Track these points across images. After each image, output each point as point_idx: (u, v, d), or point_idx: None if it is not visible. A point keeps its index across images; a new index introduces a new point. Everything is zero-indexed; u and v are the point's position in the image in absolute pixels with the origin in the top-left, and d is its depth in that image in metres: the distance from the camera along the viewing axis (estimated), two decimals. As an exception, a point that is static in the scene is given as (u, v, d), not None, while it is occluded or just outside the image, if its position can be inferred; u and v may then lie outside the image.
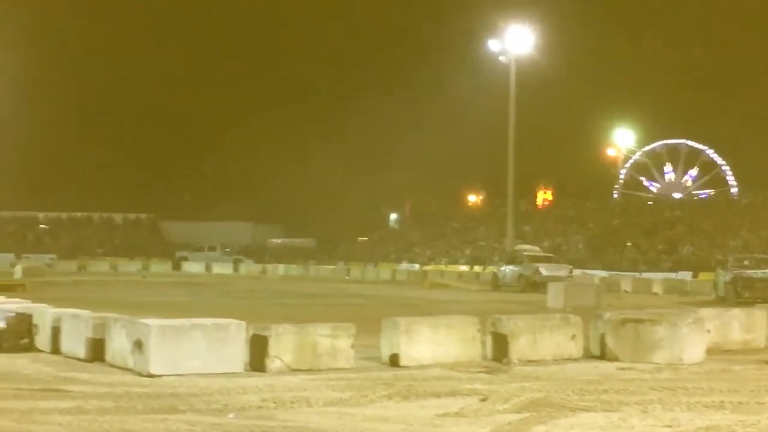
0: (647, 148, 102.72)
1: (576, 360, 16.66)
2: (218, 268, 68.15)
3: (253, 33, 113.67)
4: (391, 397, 12.67)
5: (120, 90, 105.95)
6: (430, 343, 15.96)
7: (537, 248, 56.71)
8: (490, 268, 65.28)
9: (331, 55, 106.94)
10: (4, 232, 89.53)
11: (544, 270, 47.04)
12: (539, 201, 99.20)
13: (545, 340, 16.69)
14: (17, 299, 21.34)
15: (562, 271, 48.05)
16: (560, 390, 13.27)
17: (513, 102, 67.58)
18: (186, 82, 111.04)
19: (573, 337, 17.01)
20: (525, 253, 51.18)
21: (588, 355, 16.98)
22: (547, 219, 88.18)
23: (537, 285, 44.53)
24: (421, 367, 15.44)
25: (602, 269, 61.94)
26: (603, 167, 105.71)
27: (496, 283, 49.60)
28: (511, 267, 49.64)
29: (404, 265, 73.61)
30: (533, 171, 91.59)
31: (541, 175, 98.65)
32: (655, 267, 65.02)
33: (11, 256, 72.37)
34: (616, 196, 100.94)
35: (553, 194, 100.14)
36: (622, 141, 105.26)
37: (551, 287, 35.12)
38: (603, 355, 16.81)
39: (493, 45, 68.72)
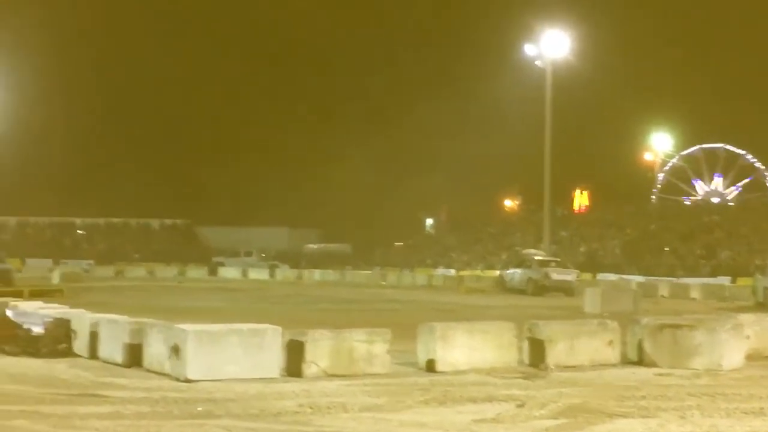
0: (685, 152, 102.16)
1: (613, 366, 16.56)
2: (254, 274, 68.24)
3: (288, 38, 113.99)
4: (427, 402, 12.65)
5: (157, 97, 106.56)
6: (467, 348, 15.92)
7: (543, 252, 56.96)
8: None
9: (368, 60, 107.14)
10: (42, 238, 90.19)
11: (554, 274, 47.38)
12: (576, 206, 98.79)
13: (582, 346, 16.61)
14: (55, 305, 21.45)
15: (570, 274, 48.44)
16: (598, 396, 13.20)
17: (549, 106, 67.35)
18: (223, 88, 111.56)
19: (610, 342, 16.92)
20: (534, 257, 51.30)
21: (625, 361, 16.89)
22: (583, 224, 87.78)
23: (546, 288, 45.04)
24: (458, 372, 15.40)
25: (639, 274, 61.57)
26: (640, 171, 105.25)
27: (503, 285, 49.77)
28: (518, 270, 49.69)
29: (440, 271, 73.44)
30: (570, 176, 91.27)
31: (578, 180, 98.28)
32: (693, 272, 64.55)
33: (49, 261, 72.84)
34: (653, 200, 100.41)
35: (589, 199, 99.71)
36: (659, 145, 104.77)
37: (587, 292, 34.95)
38: (641, 361, 16.71)
39: (529, 49, 68.56)
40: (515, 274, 49.73)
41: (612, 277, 58.69)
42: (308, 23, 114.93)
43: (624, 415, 11.77)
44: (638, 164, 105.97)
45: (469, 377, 14.96)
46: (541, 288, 46.20)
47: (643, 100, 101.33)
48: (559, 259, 54.27)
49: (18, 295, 30.81)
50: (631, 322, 17.47)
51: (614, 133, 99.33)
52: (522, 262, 51.07)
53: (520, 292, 46.99)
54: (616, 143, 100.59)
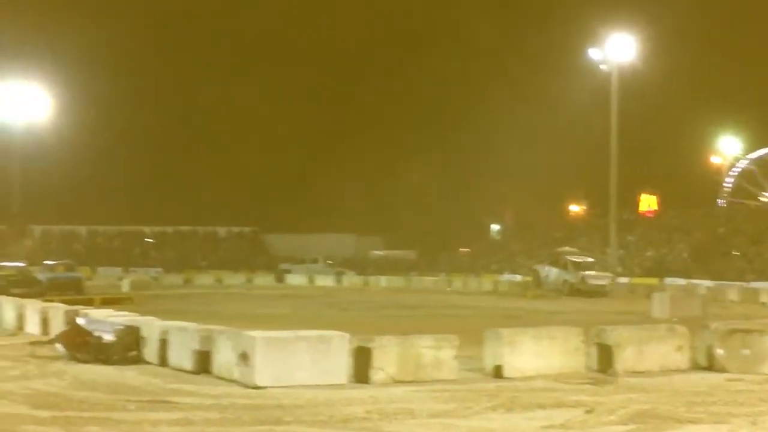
0: (754, 155, 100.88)
1: (683, 371, 16.42)
2: (321, 281, 68.39)
3: (355, 45, 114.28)
4: (495, 408, 12.63)
5: (223, 106, 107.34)
6: (534, 354, 15.87)
7: (576, 250, 56.56)
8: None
9: (431, 66, 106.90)
10: (111, 247, 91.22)
11: (590, 279, 47.31)
12: (642, 210, 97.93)
13: (651, 351, 16.49)
14: (125, 312, 21.71)
15: (605, 279, 48.35)
16: (667, 402, 13.10)
17: (615, 110, 67.00)
18: (288, 97, 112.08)
19: (679, 347, 16.78)
20: (570, 258, 50.95)
21: (695, 367, 16.73)
22: (650, 228, 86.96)
23: (581, 292, 44.88)
24: (525, 378, 15.36)
25: (708, 279, 60.89)
26: (707, 175, 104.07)
27: (538, 282, 49.54)
28: (554, 269, 49.43)
29: (506, 276, 73.17)
30: (636, 180, 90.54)
31: (645, 184, 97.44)
32: (763, 276, 63.63)
33: (119, 270, 73.66)
34: (721, 203, 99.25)
35: (656, 203, 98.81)
36: (727, 148, 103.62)
37: (655, 297, 34.66)
38: (710, 367, 16.55)
39: (594, 53, 68.26)
40: (550, 272, 49.63)
41: (680, 281, 58.11)
42: (376, 32, 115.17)
43: (694, 421, 11.67)
44: (706, 167, 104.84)
45: (536, 383, 14.91)
46: (576, 291, 46.15)
47: (710, 102, 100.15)
48: (594, 261, 53.97)
49: (89, 303, 31.27)
50: (701, 327, 17.31)
51: (681, 136, 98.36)
52: (557, 261, 50.85)
53: (556, 291, 47.14)
54: (682, 147, 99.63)
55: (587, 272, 48.21)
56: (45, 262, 51.36)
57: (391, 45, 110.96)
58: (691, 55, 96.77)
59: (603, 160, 69.57)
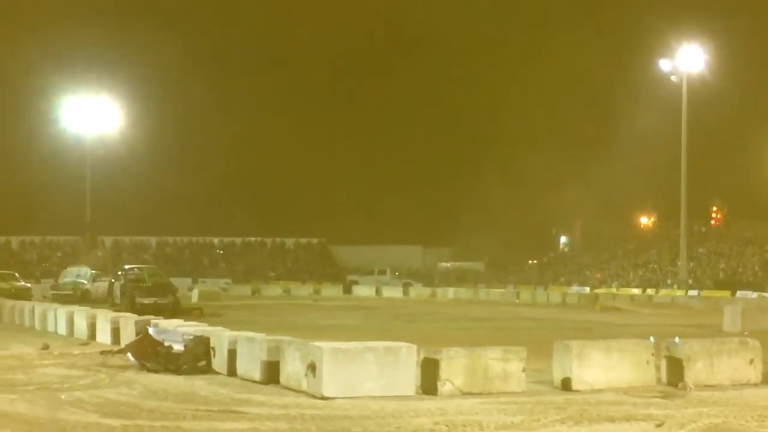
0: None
1: (755, 385, 16.20)
2: (388, 292, 68.47)
3: (426, 55, 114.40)
4: (563, 421, 12.55)
5: (292, 118, 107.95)
6: (603, 367, 15.75)
7: None
8: (664, 291, 64.22)
9: (502, 78, 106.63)
10: (181, 257, 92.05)
11: None
12: (713, 222, 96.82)
13: (722, 365, 16.28)
14: (195, 323, 21.89)
15: None
16: (739, 416, 12.93)
17: (685, 121, 66.39)
18: (355, 111, 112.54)
19: (751, 361, 16.55)
20: None
21: (767, 381, 16.49)
22: (722, 240, 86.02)
23: None
24: (594, 391, 15.25)
25: (781, 292, 60.04)
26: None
27: None
28: None
29: (575, 288, 72.76)
30: (707, 191, 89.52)
31: (716, 196, 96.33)
32: (836, 289, 62.72)
33: (188, 280, 74.37)
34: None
35: (728, 215, 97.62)
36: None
37: (727, 310, 34.20)
38: (784, 381, 16.32)
39: (664, 64, 67.75)
40: None
41: (752, 295, 57.37)
42: (447, 43, 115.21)
43: (766, 436, 11.52)
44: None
45: (605, 396, 14.79)
46: None
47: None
48: None
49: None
50: (773, 340, 17.08)
51: (753, 147, 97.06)
52: None
53: None
54: (754, 158, 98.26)
55: None
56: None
57: (477, 58, 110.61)
58: (761, 66, 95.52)
59: (673, 171, 68.92)
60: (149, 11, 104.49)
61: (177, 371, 17.34)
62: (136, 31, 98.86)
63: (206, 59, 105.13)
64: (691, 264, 74.68)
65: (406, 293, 68.83)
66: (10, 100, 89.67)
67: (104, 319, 25.16)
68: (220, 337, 17.78)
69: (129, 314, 26.46)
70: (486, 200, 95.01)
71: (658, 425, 12.19)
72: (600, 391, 15.26)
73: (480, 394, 14.75)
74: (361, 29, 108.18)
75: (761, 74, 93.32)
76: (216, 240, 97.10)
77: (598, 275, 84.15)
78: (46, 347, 22.12)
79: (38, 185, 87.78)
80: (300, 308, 47.33)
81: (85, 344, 23.75)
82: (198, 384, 16.01)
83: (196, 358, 17.68)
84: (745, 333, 25.39)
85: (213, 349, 17.72)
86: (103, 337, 24.45)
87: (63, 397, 14.48)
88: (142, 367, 17.82)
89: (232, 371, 17.07)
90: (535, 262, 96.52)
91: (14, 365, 18.97)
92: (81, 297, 46.31)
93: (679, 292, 63.27)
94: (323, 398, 14.18)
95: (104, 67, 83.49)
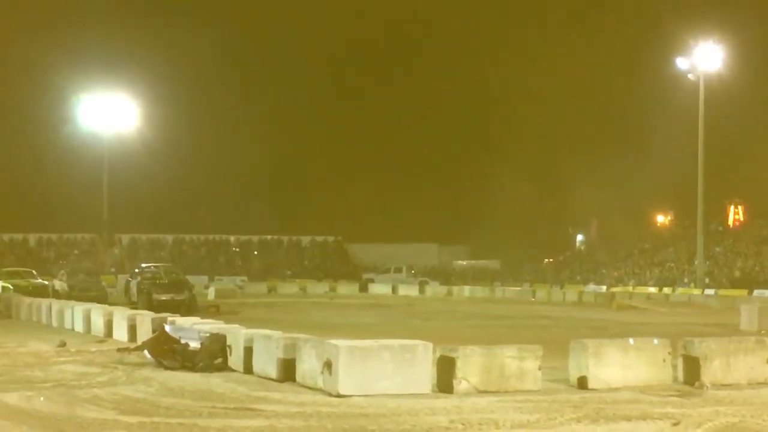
0: None
1: (772, 384, 16.16)
2: (404, 290, 68.46)
3: (439, 56, 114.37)
4: (579, 420, 12.54)
5: (309, 117, 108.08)
6: (620, 365, 15.72)
7: None
8: (681, 290, 64.05)
9: (517, 76, 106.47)
10: (198, 255, 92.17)
11: None
12: (730, 221, 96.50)
13: (739, 364, 16.23)
14: (211, 320, 21.93)
15: None
16: (756, 415, 12.90)
17: (702, 119, 66.19)
18: (372, 110, 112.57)
19: (768, 360, 16.51)
20: None
21: (784, 380, 16.46)
22: (739, 239, 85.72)
23: None
24: (610, 389, 15.23)
25: (798, 291, 59.82)
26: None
27: None
28: None
29: (591, 287, 72.60)
30: (724, 190, 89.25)
31: (733, 194, 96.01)
32: None
33: (204, 278, 74.48)
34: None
35: (745, 213, 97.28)
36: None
37: (744, 309, 34.10)
38: (801, 380, 16.26)
39: (681, 63, 67.56)
40: None
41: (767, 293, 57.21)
42: (469, 41, 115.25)
43: (783, 435, 11.49)
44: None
45: (622, 395, 14.77)
46: None
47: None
48: None
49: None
50: (790, 339, 17.01)
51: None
52: None
53: None
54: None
55: None
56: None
57: (496, 57, 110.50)
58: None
59: (690, 170, 68.71)
60: (168, 10, 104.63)
61: (193, 368, 17.38)
62: (154, 29, 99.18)
63: (224, 57, 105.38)
64: (708, 263, 74.42)
65: (422, 291, 68.82)
66: (28, 98, 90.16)
67: (121, 316, 25.23)
68: (237, 334, 17.81)
69: (146, 312, 26.52)
70: (502, 198, 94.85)
71: (675, 424, 12.17)
72: (616, 389, 15.24)
73: (496, 392, 14.75)
74: (383, 25, 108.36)
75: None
76: (232, 238, 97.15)
77: (615, 274, 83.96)
78: (63, 344, 22.21)
79: (56, 183, 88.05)
80: (316, 306, 47.37)
81: (102, 341, 23.84)
82: (214, 381, 16.04)
83: (212, 356, 17.72)
84: (762, 332, 25.35)
85: (229, 346, 17.75)
86: (120, 334, 24.53)
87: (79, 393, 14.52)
88: (159, 364, 17.87)
89: (248, 369, 17.10)
90: (551, 260, 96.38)
91: (32, 362, 19.05)
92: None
93: (696, 291, 63.09)
94: (339, 396, 14.20)
95: (122, 66, 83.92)
